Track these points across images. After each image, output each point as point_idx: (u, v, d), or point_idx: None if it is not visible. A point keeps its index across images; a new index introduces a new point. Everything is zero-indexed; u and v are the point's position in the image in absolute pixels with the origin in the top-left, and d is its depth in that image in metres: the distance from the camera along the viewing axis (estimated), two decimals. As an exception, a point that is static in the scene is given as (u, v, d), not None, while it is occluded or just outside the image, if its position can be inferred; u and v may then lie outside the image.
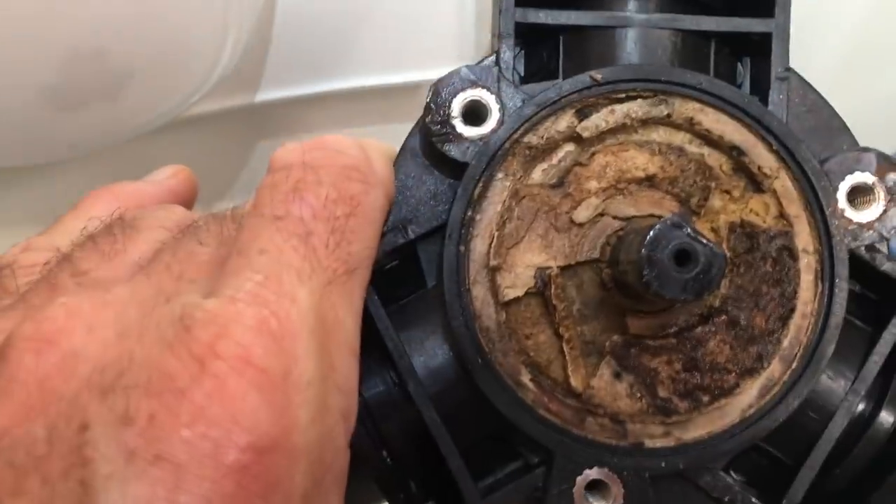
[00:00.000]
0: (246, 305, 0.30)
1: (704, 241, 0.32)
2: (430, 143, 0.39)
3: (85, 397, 0.29)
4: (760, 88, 0.42)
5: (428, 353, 0.40)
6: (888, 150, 0.89)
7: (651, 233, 0.33)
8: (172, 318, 0.30)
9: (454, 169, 0.39)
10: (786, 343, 0.38)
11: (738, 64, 0.44)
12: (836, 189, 0.39)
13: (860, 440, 0.41)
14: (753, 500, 0.39)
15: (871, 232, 0.39)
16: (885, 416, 0.41)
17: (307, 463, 0.30)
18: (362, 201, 0.35)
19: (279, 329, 0.30)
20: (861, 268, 0.40)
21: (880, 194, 0.39)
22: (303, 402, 0.30)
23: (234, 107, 0.65)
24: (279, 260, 0.32)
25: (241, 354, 0.29)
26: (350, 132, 0.69)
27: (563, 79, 0.41)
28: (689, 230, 0.32)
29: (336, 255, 0.33)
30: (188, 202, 0.46)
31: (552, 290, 0.37)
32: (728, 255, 0.38)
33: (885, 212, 0.39)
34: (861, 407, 0.41)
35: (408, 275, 0.41)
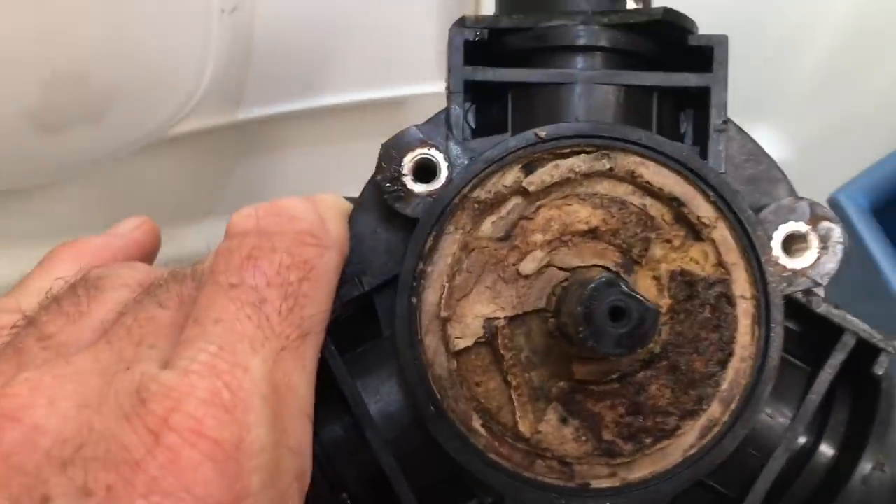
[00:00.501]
0: (199, 378, 0.31)
1: (638, 297, 0.34)
2: (383, 200, 0.41)
3: (46, 470, 0.30)
4: (702, 139, 0.43)
5: (384, 400, 0.42)
6: (881, 151, 0.90)
7: (587, 290, 0.34)
8: (130, 390, 0.32)
9: (406, 223, 0.41)
10: (725, 385, 0.40)
11: (682, 115, 0.45)
12: (771, 238, 0.41)
13: (801, 472, 0.43)
14: None
15: (804, 278, 0.41)
16: (825, 449, 0.43)
17: None
18: (316, 265, 0.37)
19: (231, 400, 0.31)
20: (800, 310, 0.42)
21: (813, 242, 0.41)
22: (255, 468, 0.31)
23: (219, 125, 0.67)
24: (233, 329, 0.33)
25: (194, 427, 0.30)
26: (333, 149, 0.70)
27: (512, 133, 0.43)
28: (623, 287, 0.34)
29: (289, 321, 0.35)
30: (152, 252, 0.47)
31: (500, 341, 0.39)
32: (665, 306, 0.40)
33: (818, 259, 0.41)
34: (801, 441, 0.43)
35: (365, 325, 0.43)
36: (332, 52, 0.65)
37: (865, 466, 0.41)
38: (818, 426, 0.43)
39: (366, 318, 0.43)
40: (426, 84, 0.67)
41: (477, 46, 0.43)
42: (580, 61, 0.43)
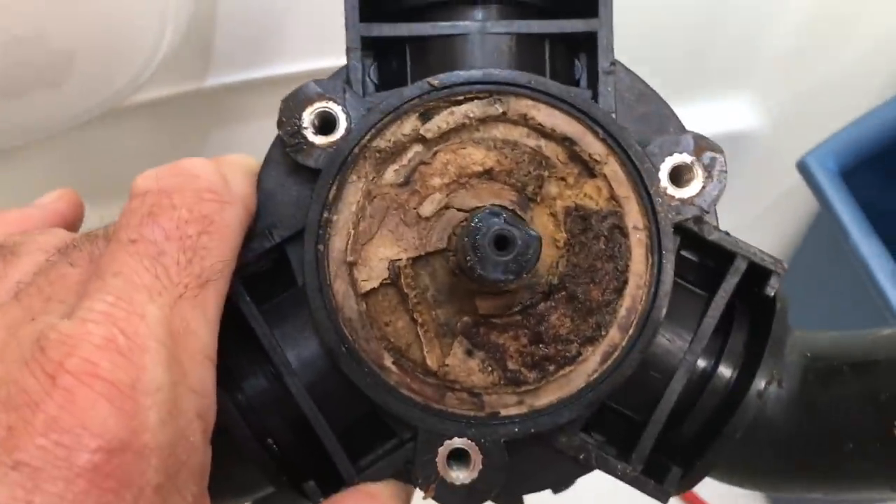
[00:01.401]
0: (95, 325, 0.33)
1: (520, 225, 0.36)
2: (287, 153, 0.42)
3: None
4: (594, 82, 0.45)
5: (300, 346, 0.43)
6: (855, 109, 0.91)
7: (472, 223, 0.36)
8: (31, 339, 0.33)
9: (311, 175, 0.43)
10: (623, 312, 0.42)
11: (577, 61, 0.47)
12: (658, 170, 0.43)
13: (702, 394, 0.45)
14: (605, 455, 0.43)
15: (692, 206, 0.43)
16: (724, 370, 0.45)
17: (158, 460, 0.33)
18: (215, 220, 0.38)
19: (127, 344, 0.33)
20: (695, 239, 0.45)
21: (698, 172, 0.43)
22: (152, 405, 0.33)
23: (183, 92, 0.67)
24: (131, 280, 0.35)
25: (89, 370, 0.32)
26: None
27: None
28: (505, 217, 0.36)
29: (188, 272, 0.37)
30: (75, 224, 0.49)
31: (403, 280, 0.41)
32: (561, 240, 0.42)
33: (703, 188, 0.43)
34: (702, 364, 0.45)
35: (280, 278, 0.45)
36: (301, 19, 0.65)
37: (760, 382, 0.44)
38: (717, 349, 0.46)
39: (281, 272, 0.45)
40: None
41: (374, 4, 0.45)
42: (473, 13, 0.45)
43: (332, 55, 0.68)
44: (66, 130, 0.59)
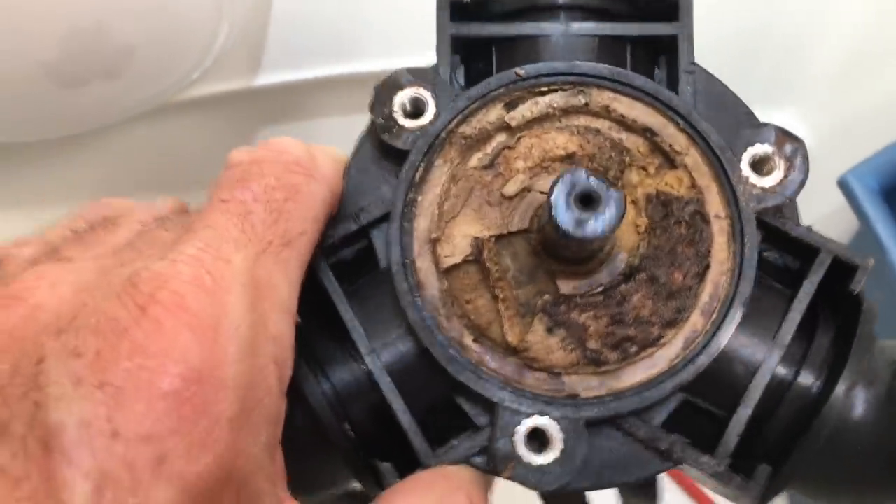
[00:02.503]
0: (185, 265, 0.35)
1: (604, 183, 0.37)
2: (377, 136, 0.44)
3: (43, 338, 0.34)
4: (674, 84, 0.47)
5: (380, 327, 0.44)
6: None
7: (556, 182, 0.37)
8: (123, 277, 0.35)
9: (399, 157, 0.44)
10: (705, 297, 0.42)
11: (655, 67, 0.49)
12: (739, 160, 0.43)
13: (785, 396, 0.44)
14: (688, 446, 0.42)
15: (774, 195, 0.43)
16: (808, 372, 0.44)
17: (234, 393, 0.34)
18: (301, 189, 0.40)
19: (213, 284, 0.35)
20: (777, 236, 0.44)
21: (779, 163, 0.43)
22: (231, 341, 0.34)
23: (235, 90, 0.70)
24: (219, 233, 0.37)
25: (177, 301, 0.34)
26: (349, 119, 0.72)
27: None
28: (589, 175, 0.37)
29: (273, 230, 0.39)
30: None
31: (486, 254, 0.42)
32: (643, 225, 0.42)
33: (785, 177, 0.43)
34: (786, 367, 0.44)
35: (364, 264, 0.46)
36: (352, 21, 0.68)
37: (847, 383, 0.42)
38: (802, 351, 0.45)
39: (364, 259, 0.46)
40: None
41: (463, 9, 0.48)
42: (558, 17, 0.47)
43: (383, 56, 0.69)
44: (118, 123, 0.61)
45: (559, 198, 0.37)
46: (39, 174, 0.66)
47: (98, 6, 0.53)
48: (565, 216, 0.37)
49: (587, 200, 0.37)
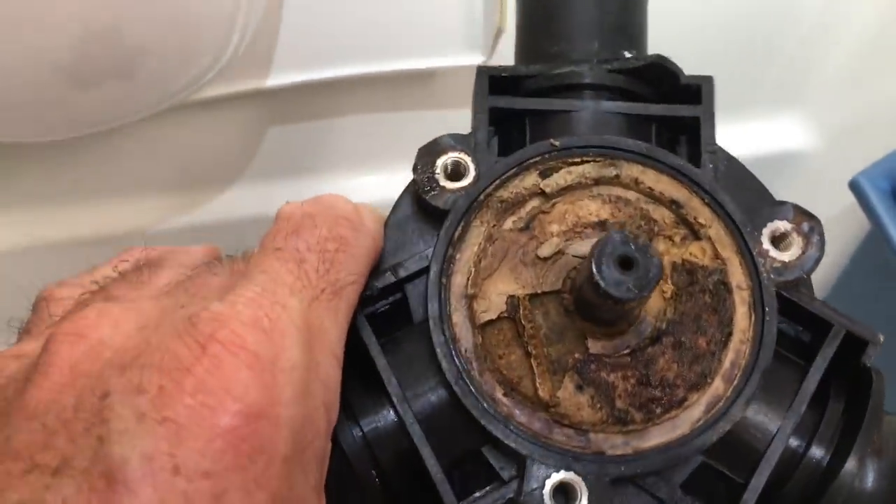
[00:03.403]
0: (244, 307, 0.36)
1: (643, 247, 0.39)
2: (419, 195, 0.46)
3: (107, 373, 0.34)
4: (695, 161, 0.50)
5: (413, 379, 0.45)
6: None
7: (599, 244, 0.39)
8: (183, 317, 0.36)
9: (438, 217, 0.46)
10: (727, 363, 0.44)
11: (677, 147, 0.52)
12: (760, 234, 0.46)
13: (800, 464, 0.45)
14: None
15: (792, 269, 0.46)
16: (820, 443, 0.46)
17: (289, 433, 0.35)
18: (350, 241, 0.42)
19: (270, 326, 0.36)
20: (792, 308, 0.47)
21: (797, 239, 0.46)
22: (287, 382, 0.35)
23: (246, 91, 0.69)
24: (275, 278, 0.39)
25: (236, 341, 0.35)
26: (361, 119, 0.72)
27: None
28: (630, 240, 0.39)
29: (325, 279, 0.40)
30: None
31: (521, 312, 0.44)
32: (669, 291, 0.44)
33: (802, 253, 0.46)
34: (798, 438, 0.46)
35: (398, 316, 0.48)
36: (362, 22, 0.68)
37: (857, 455, 0.44)
38: (815, 421, 0.46)
39: (399, 312, 0.48)
40: (452, 57, 0.69)
41: (499, 82, 0.51)
42: (587, 96, 0.51)
43: (401, 58, 0.69)
44: (130, 124, 0.62)
45: (601, 258, 0.39)
46: (50, 173, 0.66)
47: (113, 7, 0.52)
48: (606, 276, 0.39)
49: (627, 263, 0.39)
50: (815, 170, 1.09)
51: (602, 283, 0.39)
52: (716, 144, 0.49)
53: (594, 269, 0.39)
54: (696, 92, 0.50)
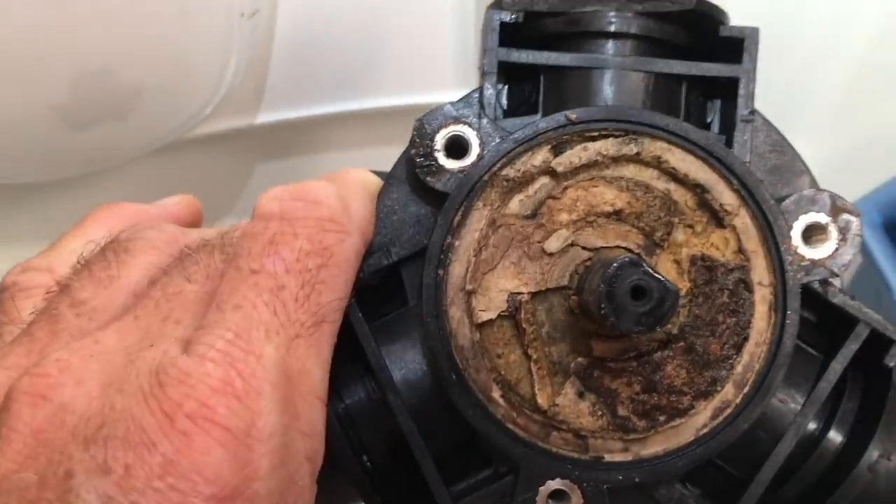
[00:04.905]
0: (214, 365, 0.33)
1: (659, 277, 0.35)
2: (415, 174, 0.42)
3: (71, 447, 0.32)
4: (728, 128, 0.44)
5: (407, 367, 0.43)
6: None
7: (610, 269, 0.35)
8: (150, 371, 0.33)
9: (437, 198, 0.42)
10: (739, 368, 0.41)
11: (709, 104, 0.46)
12: (791, 227, 0.42)
13: (809, 458, 0.44)
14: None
15: (822, 268, 0.42)
16: (833, 436, 0.44)
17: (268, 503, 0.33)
18: (335, 252, 0.38)
19: (243, 387, 0.33)
20: (816, 299, 0.43)
21: (833, 233, 0.42)
22: (265, 452, 0.33)
23: (240, 127, 0.68)
24: (250, 316, 0.35)
25: (206, 415, 0.32)
26: (352, 155, 0.71)
27: (543, 114, 0.44)
28: (645, 268, 0.35)
29: (305, 308, 0.37)
30: (190, 227, 0.48)
31: (522, 315, 0.40)
32: (684, 289, 0.41)
33: (836, 250, 0.42)
34: (811, 426, 0.44)
35: (392, 294, 0.44)
36: (355, 60, 0.66)
37: (872, 454, 0.43)
38: (828, 414, 0.44)
39: (393, 288, 0.44)
40: (446, 93, 0.68)
41: (512, 28, 0.44)
42: (612, 47, 0.44)
43: (394, 95, 0.68)
44: (127, 162, 0.61)
45: (611, 289, 0.35)
46: (45, 213, 0.64)
47: (107, 49, 0.51)
48: (616, 310, 0.35)
49: (640, 294, 0.35)
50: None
51: (611, 317, 0.35)
52: (754, 111, 0.44)
53: (601, 302, 0.35)
54: (737, 47, 0.44)
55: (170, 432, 0.32)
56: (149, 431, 0.32)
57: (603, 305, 0.35)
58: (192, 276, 0.38)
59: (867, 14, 0.89)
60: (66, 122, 0.53)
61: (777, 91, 0.95)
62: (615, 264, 0.35)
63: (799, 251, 0.42)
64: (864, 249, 0.83)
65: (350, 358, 0.43)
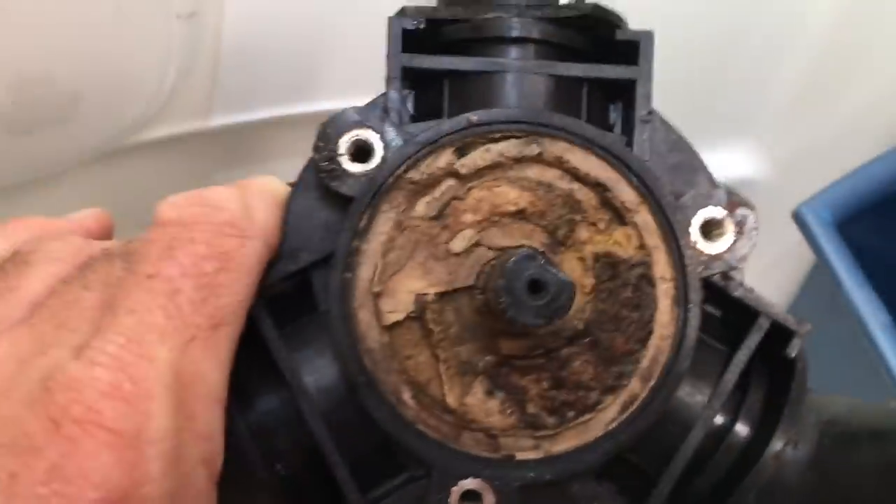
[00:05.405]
0: (103, 370, 0.33)
1: (554, 271, 0.36)
2: (320, 178, 0.42)
3: None
4: (628, 129, 0.45)
5: (319, 373, 0.43)
6: (857, 160, 0.91)
7: (509, 264, 0.36)
8: (39, 378, 0.33)
9: (344, 202, 0.42)
10: (645, 363, 0.42)
11: (611, 107, 0.47)
12: (689, 223, 0.43)
13: (718, 450, 0.45)
14: (620, 498, 0.43)
15: (720, 262, 0.43)
16: (740, 428, 0.45)
17: None
18: (234, 256, 0.38)
19: (133, 390, 0.33)
20: (719, 294, 0.44)
21: (730, 228, 0.43)
22: (155, 455, 0.33)
23: (190, 132, 0.67)
24: (143, 320, 0.35)
25: (93, 418, 0.32)
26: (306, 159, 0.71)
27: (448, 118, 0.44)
28: (541, 261, 0.36)
29: (201, 312, 0.36)
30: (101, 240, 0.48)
31: (428, 315, 0.41)
32: (589, 286, 0.42)
33: (734, 243, 0.43)
34: (719, 420, 0.45)
35: (303, 301, 0.44)
36: (308, 61, 0.66)
37: (777, 444, 0.43)
38: (736, 407, 0.45)
39: (303, 295, 0.44)
40: None
41: (417, 36, 0.45)
42: (513, 51, 0.45)
43: (349, 97, 0.68)
44: (72, 168, 0.60)
45: (509, 283, 0.36)
46: None
47: (45, 54, 0.50)
48: (514, 304, 0.36)
49: (537, 287, 0.36)
50: (764, 199, 1.05)
51: (510, 310, 0.36)
52: (651, 112, 0.45)
53: (500, 296, 0.36)
54: (634, 50, 0.45)
55: (56, 437, 0.31)
56: (34, 437, 0.31)
57: (502, 300, 0.36)
58: (91, 284, 0.38)
59: (818, 13, 0.91)
60: (5, 128, 0.52)
61: (726, 97, 0.98)
62: (513, 259, 0.36)
63: (698, 246, 0.43)
64: (816, 249, 0.84)
65: (263, 366, 0.43)
